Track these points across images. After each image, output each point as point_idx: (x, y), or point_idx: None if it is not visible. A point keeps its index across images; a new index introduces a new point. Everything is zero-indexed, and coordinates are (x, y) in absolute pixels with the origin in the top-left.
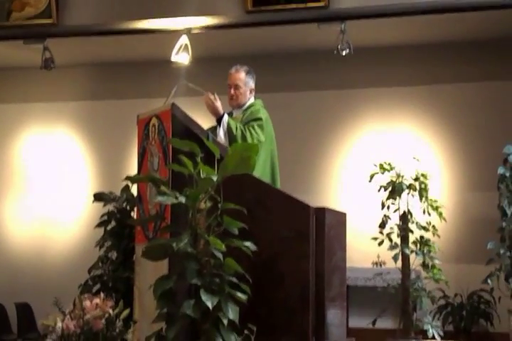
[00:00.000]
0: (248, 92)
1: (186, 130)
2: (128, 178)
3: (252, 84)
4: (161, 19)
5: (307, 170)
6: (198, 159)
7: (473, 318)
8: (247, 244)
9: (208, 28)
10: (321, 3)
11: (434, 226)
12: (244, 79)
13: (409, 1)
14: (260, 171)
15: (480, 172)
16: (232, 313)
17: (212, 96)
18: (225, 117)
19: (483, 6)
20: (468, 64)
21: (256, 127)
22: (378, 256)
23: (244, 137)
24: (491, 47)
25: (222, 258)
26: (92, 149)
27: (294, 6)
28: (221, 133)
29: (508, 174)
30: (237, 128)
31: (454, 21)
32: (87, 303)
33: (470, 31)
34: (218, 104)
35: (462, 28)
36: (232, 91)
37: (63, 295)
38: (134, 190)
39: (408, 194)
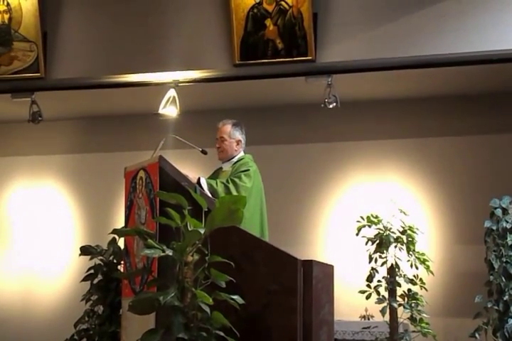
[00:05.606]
0: (234, 144)
1: (174, 182)
2: (115, 231)
3: (238, 135)
4: (149, 73)
5: (294, 222)
6: (186, 212)
7: None
8: (235, 297)
9: (195, 81)
10: (309, 57)
11: (421, 280)
12: (229, 132)
13: (395, 55)
14: (249, 217)
15: (467, 226)
16: None
17: None
18: (202, 179)
19: (473, 61)
20: (455, 117)
21: (243, 176)
22: (366, 310)
23: (227, 188)
24: (479, 101)
25: (209, 312)
26: (79, 202)
27: (281, 59)
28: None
29: (494, 227)
30: (217, 183)
31: (441, 75)
32: None
33: (458, 85)
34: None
35: (450, 82)
36: (218, 144)
37: None
38: (121, 242)
39: (395, 247)
